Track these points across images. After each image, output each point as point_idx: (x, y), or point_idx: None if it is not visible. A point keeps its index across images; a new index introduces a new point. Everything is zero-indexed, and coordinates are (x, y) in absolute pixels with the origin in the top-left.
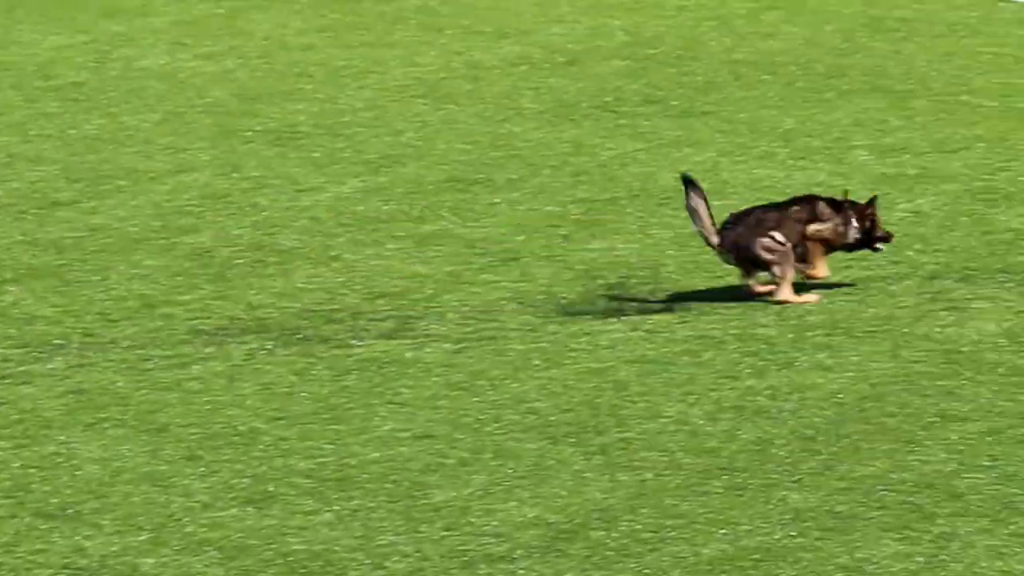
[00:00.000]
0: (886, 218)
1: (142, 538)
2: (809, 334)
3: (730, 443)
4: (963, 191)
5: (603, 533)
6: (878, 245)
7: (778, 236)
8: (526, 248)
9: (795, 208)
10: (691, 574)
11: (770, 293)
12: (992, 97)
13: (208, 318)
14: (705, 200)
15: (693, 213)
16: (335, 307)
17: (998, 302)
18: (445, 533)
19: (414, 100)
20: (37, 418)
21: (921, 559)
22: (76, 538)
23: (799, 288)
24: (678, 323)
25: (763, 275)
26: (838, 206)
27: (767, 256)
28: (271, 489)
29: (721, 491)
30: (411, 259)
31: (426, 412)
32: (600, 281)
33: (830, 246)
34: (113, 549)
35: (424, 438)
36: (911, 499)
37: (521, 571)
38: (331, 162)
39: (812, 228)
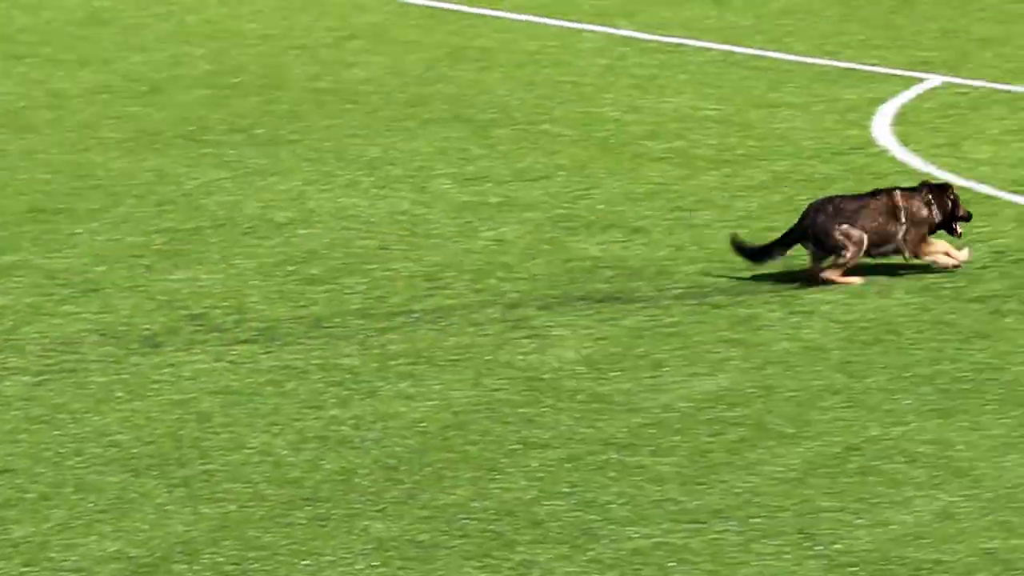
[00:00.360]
0: (468, 247)
1: None
2: (392, 363)
3: (314, 473)
4: (544, 219)
5: (185, 566)
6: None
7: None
8: (107, 279)
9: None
10: None
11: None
12: (572, 126)
13: None
14: (757, 249)
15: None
16: None
17: (577, 329)
18: (24, 569)
19: None
20: None
21: None
22: None
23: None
24: (262, 353)
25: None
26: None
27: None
28: None
29: (304, 522)
30: None
31: (5, 446)
32: (183, 312)
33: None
34: None
35: (3, 473)
36: (492, 527)
37: None
38: None
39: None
